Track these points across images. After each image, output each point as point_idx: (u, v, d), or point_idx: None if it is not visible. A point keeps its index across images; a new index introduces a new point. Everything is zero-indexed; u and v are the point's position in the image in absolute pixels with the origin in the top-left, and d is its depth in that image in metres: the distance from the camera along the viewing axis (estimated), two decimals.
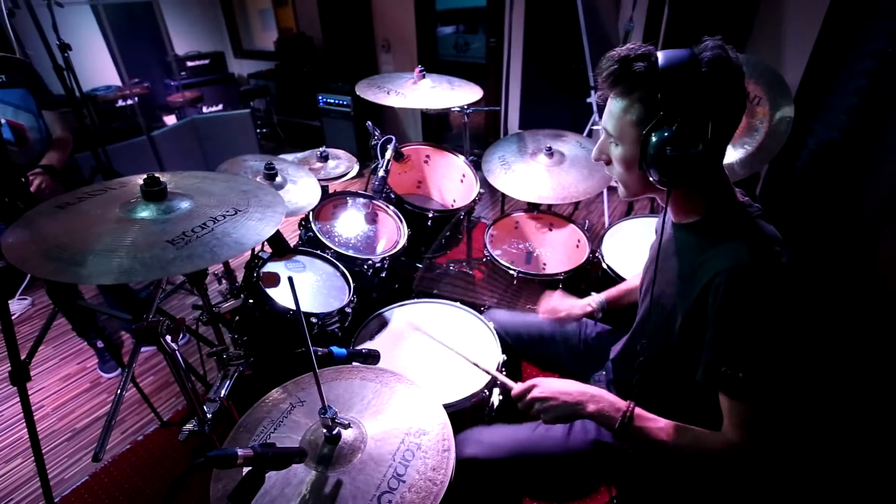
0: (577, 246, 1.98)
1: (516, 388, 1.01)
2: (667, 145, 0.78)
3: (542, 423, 1.13)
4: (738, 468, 0.86)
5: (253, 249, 1.45)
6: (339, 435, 0.84)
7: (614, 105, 0.86)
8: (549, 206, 2.11)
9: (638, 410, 0.89)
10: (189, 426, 1.13)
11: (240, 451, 0.67)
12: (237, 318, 1.57)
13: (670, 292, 0.93)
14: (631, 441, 0.90)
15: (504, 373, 1.33)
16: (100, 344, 2.22)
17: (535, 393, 0.96)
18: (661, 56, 0.79)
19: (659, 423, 0.88)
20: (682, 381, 0.92)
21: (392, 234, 1.88)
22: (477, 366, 1.13)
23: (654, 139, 0.79)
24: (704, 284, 0.83)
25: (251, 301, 1.50)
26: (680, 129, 0.77)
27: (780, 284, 0.80)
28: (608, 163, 0.94)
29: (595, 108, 2.76)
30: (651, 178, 0.84)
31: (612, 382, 1.20)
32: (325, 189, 1.88)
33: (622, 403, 0.90)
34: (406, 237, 1.81)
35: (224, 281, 1.80)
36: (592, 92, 2.71)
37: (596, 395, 0.92)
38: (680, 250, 0.93)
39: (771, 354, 0.80)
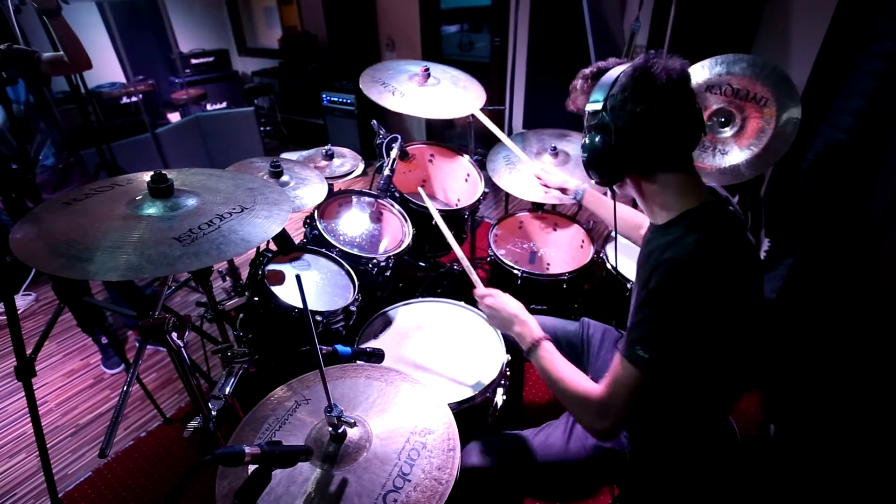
0: (582, 246, 1.97)
1: (479, 290, 1.19)
2: (588, 147, 0.91)
3: (542, 430, 1.17)
4: (590, 425, 0.91)
5: (258, 247, 1.45)
6: (344, 433, 0.84)
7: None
8: (554, 205, 2.11)
9: (546, 344, 1.01)
10: (194, 423, 1.13)
11: (247, 449, 0.67)
12: (242, 315, 1.58)
13: (639, 294, 0.92)
14: (533, 364, 1.02)
15: (508, 373, 1.33)
16: (104, 340, 2.23)
17: (487, 301, 1.15)
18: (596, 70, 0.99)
19: (554, 357, 0.99)
20: (674, 386, 0.92)
21: (396, 232, 1.88)
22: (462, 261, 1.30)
23: (586, 142, 0.92)
24: (650, 274, 0.85)
25: (256, 298, 1.50)
26: (590, 133, 0.90)
27: (719, 282, 0.80)
28: None
29: None
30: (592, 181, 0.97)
31: None
32: (329, 187, 1.89)
33: (539, 334, 1.03)
34: (410, 236, 1.81)
35: (228, 278, 1.80)
36: None
37: (525, 320, 1.07)
38: (651, 251, 0.93)
39: (678, 341, 0.81)
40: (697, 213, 0.88)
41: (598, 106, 0.88)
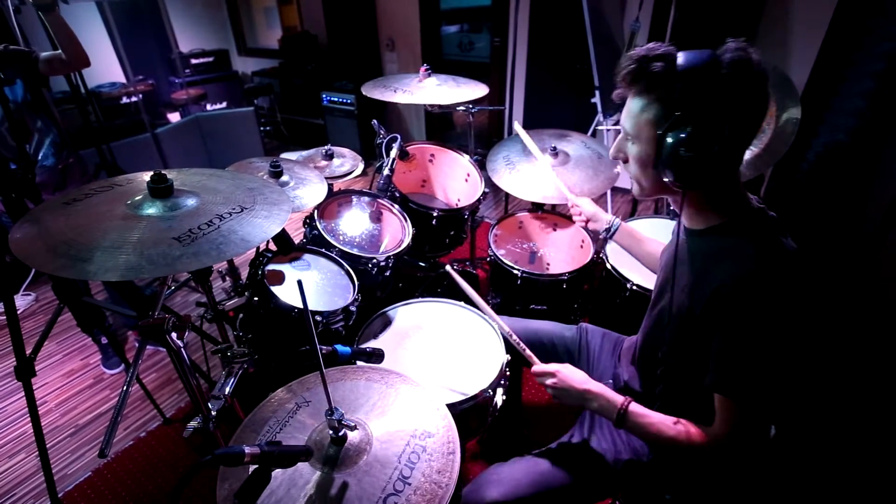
0: (582, 246, 1.97)
1: (538, 366, 1.08)
2: (681, 146, 0.77)
3: (553, 449, 1.15)
4: (723, 460, 0.90)
5: (258, 247, 1.45)
6: (344, 436, 0.84)
7: (632, 104, 0.86)
8: (554, 205, 2.10)
9: (632, 406, 0.95)
10: (193, 423, 1.12)
11: (247, 449, 0.67)
12: (241, 315, 1.57)
13: (686, 301, 0.91)
14: (628, 430, 0.96)
15: (508, 373, 1.33)
16: (104, 340, 2.23)
17: (549, 381, 1.05)
18: (681, 56, 0.79)
19: (651, 419, 0.93)
20: (701, 388, 0.91)
21: (396, 232, 1.88)
22: (504, 336, 1.19)
23: (669, 139, 0.79)
24: (714, 290, 0.83)
25: (256, 298, 1.50)
26: (695, 130, 0.76)
27: (787, 294, 0.79)
28: (625, 161, 0.94)
29: (599, 108, 2.76)
30: (665, 179, 0.84)
31: (622, 390, 1.17)
32: (329, 187, 1.88)
33: (620, 401, 0.96)
34: (410, 236, 1.81)
35: (228, 278, 1.80)
36: (597, 92, 2.71)
37: (599, 393, 0.99)
38: (693, 257, 0.92)
39: (769, 362, 0.81)
40: (745, 221, 0.86)
41: (696, 101, 0.77)
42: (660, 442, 0.92)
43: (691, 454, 0.90)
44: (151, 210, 0.97)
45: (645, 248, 1.34)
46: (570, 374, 1.03)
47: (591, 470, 1.09)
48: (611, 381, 1.24)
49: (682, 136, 0.77)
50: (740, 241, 0.84)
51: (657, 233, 1.61)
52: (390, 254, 1.72)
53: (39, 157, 1.89)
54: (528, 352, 1.13)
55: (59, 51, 1.79)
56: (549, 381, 1.05)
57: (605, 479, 1.09)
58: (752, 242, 0.82)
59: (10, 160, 1.71)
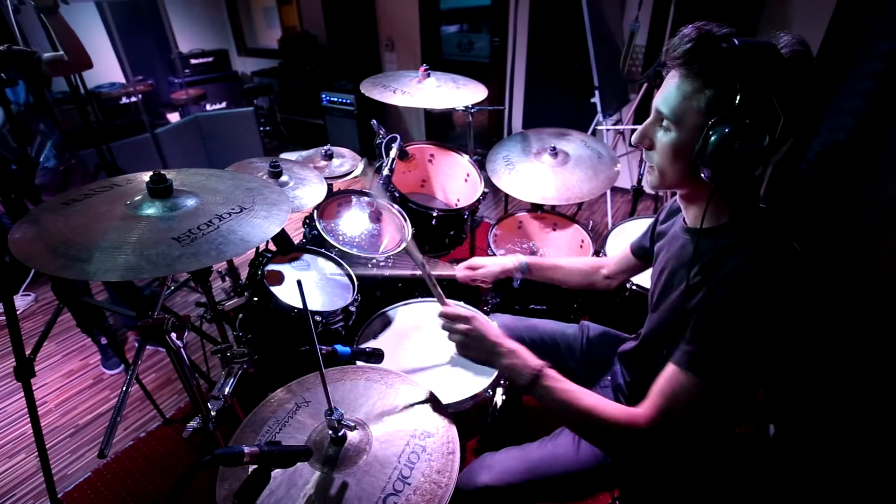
0: (581, 246, 1.97)
1: (451, 308, 0.98)
2: (735, 139, 0.71)
3: (549, 441, 1.14)
4: (628, 449, 0.82)
5: (257, 247, 1.45)
6: (344, 436, 0.84)
7: (680, 86, 0.78)
8: (553, 206, 2.10)
9: (551, 372, 0.87)
10: (193, 423, 1.12)
11: (246, 449, 0.67)
12: (241, 315, 1.57)
13: (690, 300, 0.88)
14: (536, 398, 0.88)
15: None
16: (103, 340, 2.23)
17: (463, 326, 0.94)
18: (742, 42, 0.72)
19: (566, 385, 0.86)
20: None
21: (396, 232, 1.88)
22: (425, 274, 1.03)
23: (720, 131, 0.72)
24: (721, 278, 0.79)
25: (255, 299, 1.50)
26: (753, 124, 0.70)
27: (791, 294, 0.77)
28: (649, 147, 0.87)
29: (599, 108, 2.75)
30: (702, 173, 0.77)
31: (619, 387, 1.18)
32: (329, 187, 1.88)
33: (536, 363, 0.88)
34: (410, 236, 1.81)
35: (228, 278, 1.80)
36: (596, 92, 2.71)
37: (515, 350, 0.91)
38: (701, 256, 0.87)
39: (752, 355, 0.77)
40: (752, 220, 0.83)
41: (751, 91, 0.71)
42: (571, 411, 0.84)
43: (602, 432, 0.84)
44: (151, 210, 0.97)
45: (562, 271, 1.37)
46: (488, 325, 0.95)
47: (581, 462, 1.08)
48: (609, 378, 1.24)
49: (737, 129, 0.70)
50: (751, 238, 0.80)
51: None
52: (390, 254, 1.72)
53: (41, 159, 1.89)
54: (438, 289, 1.03)
55: (62, 52, 1.79)
56: (461, 326, 0.94)
57: (595, 473, 1.07)
58: (763, 241, 0.79)
59: (11, 161, 1.71)
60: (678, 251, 0.94)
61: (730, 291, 0.77)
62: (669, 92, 0.80)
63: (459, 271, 1.42)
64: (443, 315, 0.98)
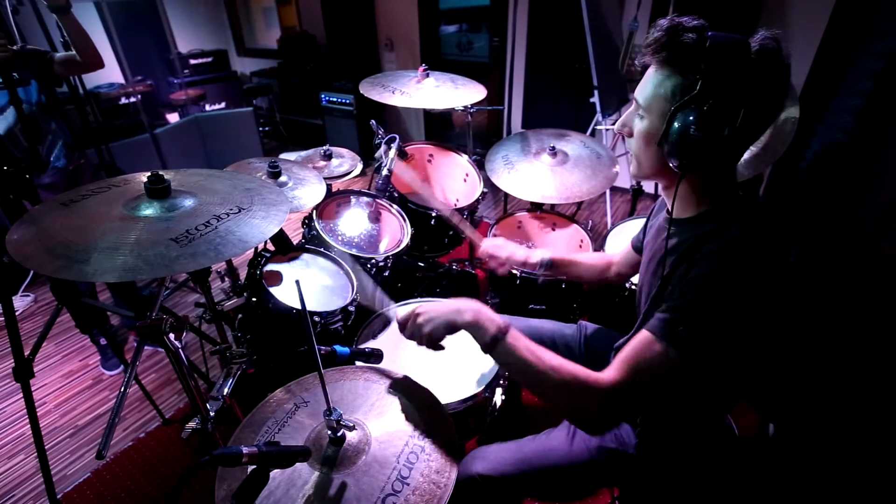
0: (580, 246, 1.97)
1: (400, 317, 0.98)
2: (692, 126, 0.75)
3: (542, 435, 1.14)
4: (592, 411, 0.81)
5: (256, 247, 1.45)
6: (343, 437, 0.84)
7: (651, 75, 0.83)
8: (552, 205, 2.10)
9: (513, 330, 0.87)
10: (192, 424, 1.13)
11: (245, 450, 0.67)
12: (240, 315, 1.57)
13: (669, 281, 0.88)
14: (498, 358, 0.88)
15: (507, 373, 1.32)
16: (102, 341, 2.23)
17: (419, 318, 0.93)
18: (712, 34, 0.76)
19: (530, 345, 0.85)
20: (695, 385, 0.90)
21: (395, 232, 1.88)
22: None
23: (680, 117, 0.76)
24: (697, 258, 0.80)
25: (254, 299, 1.50)
26: (710, 110, 0.73)
27: (767, 272, 0.77)
28: (629, 135, 0.91)
29: (598, 107, 2.75)
30: (670, 162, 0.80)
31: None
32: (328, 187, 1.88)
33: (500, 320, 0.88)
34: (409, 236, 1.81)
35: (227, 279, 1.80)
36: (596, 92, 2.71)
37: (475, 308, 0.90)
38: (680, 245, 0.88)
39: (725, 336, 0.77)
40: (733, 205, 0.84)
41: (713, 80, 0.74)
42: (535, 371, 0.83)
43: (565, 391, 0.82)
44: (149, 211, 0.97)
45: (581, 266, 1.38)
46: (435, 304, 0.94)
47: (573, 456, 1.08)
48: None
49: (695, 115, 0.74)
50: (728, 222, 0.82)
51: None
52: (389, 254, 1.72)
53: (52, 159, 1.89)
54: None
55: (74, 52, 1.80)
56: (418, 320, 0.93)
57: (588, 468, 1.08)
58: (740, 223, 0.80)
59: (21, 161, 1.71)
60: (662, 242, 0.95)
61: (707, 266, 0.78)
62: (644, 81, 0.85)
63: (484, 243, 1.43)
64: (401, 327, 0.98)
